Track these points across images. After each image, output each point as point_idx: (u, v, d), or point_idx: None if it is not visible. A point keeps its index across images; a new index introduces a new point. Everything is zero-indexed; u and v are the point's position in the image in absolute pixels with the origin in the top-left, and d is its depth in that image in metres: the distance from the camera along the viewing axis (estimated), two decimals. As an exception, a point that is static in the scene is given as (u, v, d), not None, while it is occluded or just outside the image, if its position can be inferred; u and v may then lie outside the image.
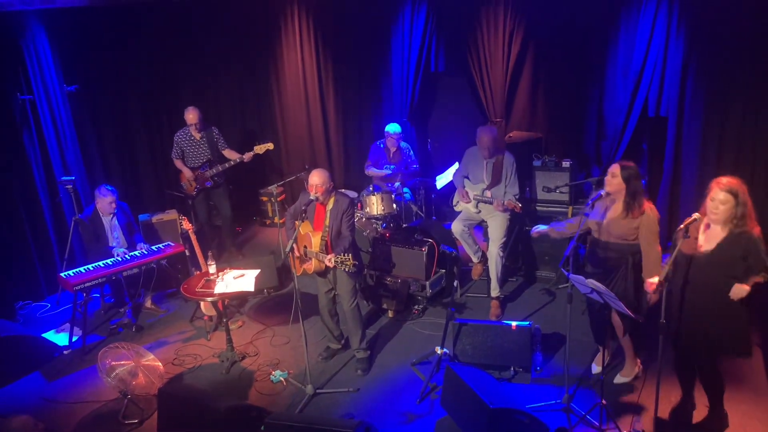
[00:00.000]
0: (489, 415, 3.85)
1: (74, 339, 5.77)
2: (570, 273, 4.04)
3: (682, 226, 3.74)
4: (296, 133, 8.38)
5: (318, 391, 4.82)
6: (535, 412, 4.21)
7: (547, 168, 6.36)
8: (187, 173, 6.96)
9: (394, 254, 6.06)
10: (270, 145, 6.98)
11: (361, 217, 6.58)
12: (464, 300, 6.16)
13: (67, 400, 4.98)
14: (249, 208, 8.66)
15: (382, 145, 7.09)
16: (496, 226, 5.83)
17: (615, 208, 4.32)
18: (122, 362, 4.71)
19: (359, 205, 6.68)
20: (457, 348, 4.99)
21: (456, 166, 6.64)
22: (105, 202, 5.95)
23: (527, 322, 4.90)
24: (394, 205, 6.55)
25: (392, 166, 7.03)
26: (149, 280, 5.94)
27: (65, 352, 5.66)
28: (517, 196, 5.79)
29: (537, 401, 4.52)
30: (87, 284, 5.52)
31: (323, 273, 4.98)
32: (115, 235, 6.10)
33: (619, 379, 4.71)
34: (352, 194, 7.19)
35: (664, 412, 4.25)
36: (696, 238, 3.81)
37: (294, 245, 4.82)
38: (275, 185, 7.41)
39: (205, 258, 5.44)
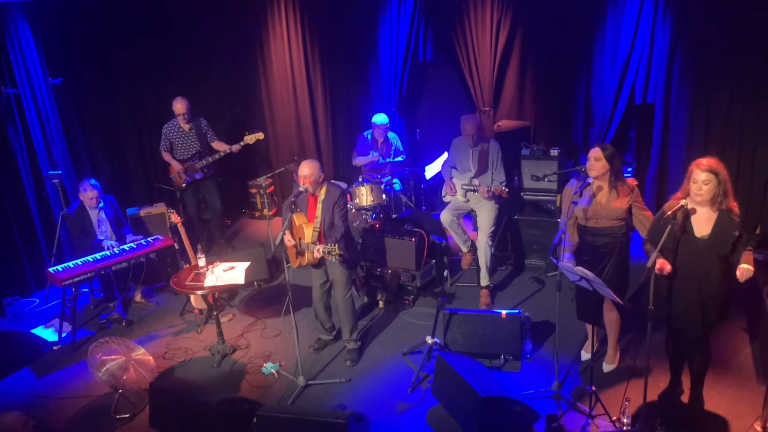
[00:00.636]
0: (480, 403, 3.88)
1: (64, 334, 5.74)
2: (559, 261, 4.06)
3: (669, 212, 3.76)
4: (284, 125, 8.34)
5: (310, 382, 4.83)
6: (526, 399, 4.25)
7: (536, 156, 6.37)
8: (176, 166, 6.92)
9: (384, 245, 6.07)
10: (260, 135, 6.94)
11: (351, 208, 6.58)
12: (454, 289, 6.18)
13: (57, 396, 4.96)
14: (238, 200, 8.63)
15: (369, 137, 7.08)
16: (485, 216, 5.85)
17: (602, 193, 4.33)
18: (113, 357, 4.69)
19: (348, 196, 6.67)
20: (448, 337, 5.01)
21: (445, 155, 6.65)
22: (87, 197, 5.90)
23: (517, 311, 4.92)
24: (384, 196, 6.55)
25: (375, 153, 6.99)
26: (138, 274, 5.92)
27: (55, 347, 5.64)
28: (503, 183, 5.81)
29: (527, 389, 4.56)
30: (76, 279, 5.49)
31: (317, 264, 4.98)
32: (102, 229, 6.06)
33: (606, 367, 4.76)
34: (342, 185, 7.17)
35: (653, 397, 4.30)
36: (683, 224, 3.83)
37: (290, 236, 4.83)
38: (264, 177, 7.39)
39: (195, 251, 5.42)
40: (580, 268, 3.94)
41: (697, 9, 6.05)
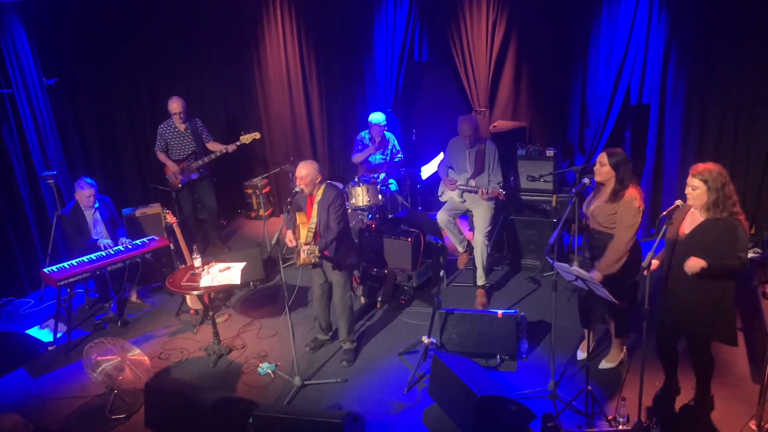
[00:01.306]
0: (476, 403, 3.88)
1: (59, 335, 5.72)
2: (555, 261, 4.07)
3: (665, 212, 3.78)
4: (280, 125, 8.33)
5: (306, 382, 4.82)
6: (522, 399, 4.25)
7: (532, 157, 6.38)
8: (172, 166, 6.90)
9: (381, 245, 6.07)
10: (256, 135, 6.93)
11: (347, 209, 6.56)
12: (450, 289, 6.18)
13: (52, 396, 4.94)
14: (234, 200, 8.61)
15: (366, 136, 7.06)
16: (481, 215, 5.85)
17: (602, 195, 4.35)
18: (108, 357, 4.68)
19: (344, 196, 6.66)
20: (444, 337, 5.01)
21: (441, 156, 6.65)
22: (83, 195, 5.89)
23: (513, 311, 4.93)
24: (380, 196, 6.54)
25: (371, 145, 6.97)
26: (134, 275, 5.91)
27: (50, 348, 5.62)
28: (500, 184, 5.82)
29: (523, 388, 4.56)
30: (71, 279, 5.47)
31: (316, 264, 4.98)
32: (97, 230, 6.05)
33: (604, 364, 4.76)
34: (338, 186, 7.16)
35: (649, 397, 4.31)
36: (679, 225, 3.85)
37: (292, 236, 4.87)
38: (260, 177, 7.37)
39: (190, 251, 5.41)
40: (575, 267, 3.95)
41: (691, 10, 6.07)
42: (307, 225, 4.85)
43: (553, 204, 6.23)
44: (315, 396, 4.72)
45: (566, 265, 4.03)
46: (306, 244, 4.74)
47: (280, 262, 4.87)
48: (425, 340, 4.97)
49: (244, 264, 5.33)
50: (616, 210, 4.22)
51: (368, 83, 7.85)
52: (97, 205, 6.03)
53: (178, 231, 5.69)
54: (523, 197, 6.42)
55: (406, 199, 7.35)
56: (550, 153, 6.33)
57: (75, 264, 5.57)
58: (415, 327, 5.54)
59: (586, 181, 4.34)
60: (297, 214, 4.96)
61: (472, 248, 6.00)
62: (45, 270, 5.53)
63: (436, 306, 5.00)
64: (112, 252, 5.78)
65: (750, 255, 5.74)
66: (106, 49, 7.55)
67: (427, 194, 7.65)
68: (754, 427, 4.01)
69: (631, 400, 4.05)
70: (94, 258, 5.66)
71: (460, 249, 6.37)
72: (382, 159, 7.01)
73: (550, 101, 7.23)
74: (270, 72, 8.11)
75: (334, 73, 8.00)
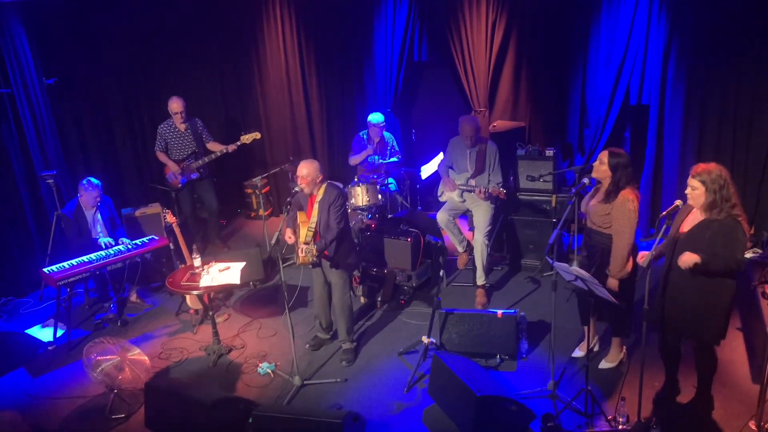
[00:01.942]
0: (476, 403, 3.88)
1: (59, 335, 5.72)
2: (554, 261, 4.08)
3: (664, 213, 3.78)
4: (280, 125, 8.33)
5: (305, 382, 4.82)
6: (522, 399, 4.25)
7: (531, 157, 6.38)
8: (172, 166, 6.90)
9: (380, 245, 6.07)
10: (257, 135, 6.92)
11: (348, 208, 6.57)
12: (450, 289, 6.18)
13: (52, 396, 4.94)
14: (233, 200, 8.61)
15: (365, 136, 7.07)
16: (481, 215, 5.85)
17: (599, 195, 4.36)
18: (108, 357, 4.68)
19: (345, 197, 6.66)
20: (444, 337, 5.02)
21: (440, 156, 6.65)
22: (91, 196, 5.91)
23: (513, 310, 4.93)
24: (380, 196, 6.54)
25: (369, 147, 6.97)
26: (134, 275, 5.91)
27: (50, 348, 5.61)
28: (500, 184, 5.82)
29: (523, 388, 4.56)
30: (71, 279, 5.47)
31: (316, 264, 4.98)
32: (98, 230, 6.05)
33: (604, 364, 4.77)
34: (339, 185, 7.16)
35: (649, 397, 4.31)
36: (680, 225, 3.86)
37: (291, 234, 4.86)
38: (260, 177, 7.37)
39: (190, 251, 5.41)
40: (575, 267, 3.95)
41: (691, 10, 6.07)
42: (307, 224, 4.85)
43: (553, 204, 6.23)
44: (315, 396, 4.72)
45: (566, 265, 4.03)
46: (305, 244, 4.74)
47: (280, 261, 4.87)
48: (425, 340, 4.97)
49: (243, 264, 5.33)
50: (609, 211, 4.23)
51: (368, 83, 7.85)
52: (99, 204, 6.03)
53: (177, 231, 5.69)
54: (522, 197, 6.43)
55: (406, 199, 7.35)
56: (549, 153, 6.33)
57: (75, 264, 5.57)
58: (414, 327, 5.54)
59: (585, 181, 4.34)
60: (297, 213, 4.96)
61: (472, 248, 6.01)
62: (44, 270, 5.53)
63: (435, 306, 5.00)
64: (112, 252, 5.78)
65: (749, 255, 5.75)
66: (106, 48, 7.54)
67: (427, 194, 7.66)
68: (753, 427, 4.01)
69: (631, 400, 4.05)
70: (94, 258, 5.66)
71: (460, 249, 6.37)
72: (381, 160, 7.01)
73: (550, 101, 7.23)
74: (270, 72, 8.11)
75: (333, 74, 8.00)
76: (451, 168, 6.11)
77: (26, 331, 5.95)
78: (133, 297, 6.28)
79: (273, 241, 4.60)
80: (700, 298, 3.80)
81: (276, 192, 8.66)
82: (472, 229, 6.05)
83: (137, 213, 7.00)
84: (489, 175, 5.88)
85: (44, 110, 6.84)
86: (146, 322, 5.98)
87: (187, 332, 5.73)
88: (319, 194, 4.84)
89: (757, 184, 6.25)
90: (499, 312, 4.89)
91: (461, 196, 6.01)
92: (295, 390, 4.74)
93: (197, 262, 5.28)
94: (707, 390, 4.17)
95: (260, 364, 5.08)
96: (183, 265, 5.64)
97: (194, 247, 5.43)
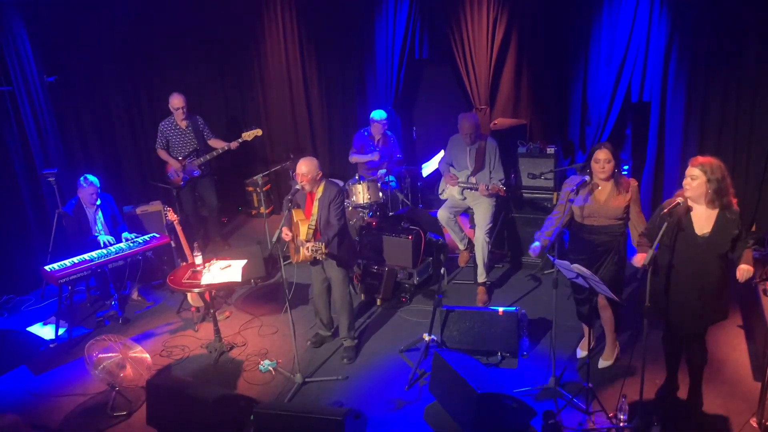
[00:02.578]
0: (477, 400, 3.88)
1: (60, 332, 5.73)
2: (555, 258, 4.07)
3: (666, 210, 3.77)
4: (280, 123, 8.33)
5: (307, 379, 4.83)
6: (523, 396, 4.27)
7: (532, 154, 6.38)
8: (173, 163, 6.90)
9: (381, 243, 6.07)
10: (258, 131, 6.92)
11: (348, 206, 6.57)
12: (451, 287, 6.18)
13: (54, 394, 4.95)
14: (234, 198, 8.61)
15: (366, 133, 7.07)
16: (482, 213, 5.85)
17: (602, 191, 4.33)
18: (109, 355, 4.69)
19: (345, 193, 6.65)
20: (445, 334, 5.02)
21: (441, 153, 6.65)
22: (86, 193, 5.90)
23: (514, 308, 4.94)
24: (381, 194, 6.54)
25: (376, 153, 6.97)
26: (135, 272, 5.92)
27: (51, 345, 5.62)
28: (502, 181, 5.82)
29: (524, 386, 4.57)
30: (72, 277, 5.48)
31: (315, 261, 4.98)
32: (99, 227, 6.05)
33: (602, 363, 4.76)
34: (339, 183, 7.16)
35: (649, 394, 4.31)
36: (683, 222, 3.84)
37: (288, 231, 4.83)
38: (261, 175, 7.37)
39: (191, 249, 5.42)
40: (576, 265, 3.95)
41: (692, 8, 6.06)
42: (306, 222, 4.85)
43: (554, 201, 6.23)
44: (316, 393, 4.73)
45: (567, 262, 4.03)
46: (308, 241, 4.73)
47: (281, 259, 4.87)
48: (426, 337, 4.98)
49: (244, 261, 5.34)
50: (627, 200, 4.29)
51: (368, 81, 7.84)
52: (99, 202, 6.04)
53: (179, 228, 5.70)
54: (523, 195, 6.43)
55: (407, 197, 7.35)
56: (550, 150, 6.33)
57: (76, 261, 5.57)
58: (415, 324, 5.54)
59: (587, 178, 4.33)
60: (294, 212, 4.92)
61: (473, 246, 6.01)
62: (46, 267, 5.54)
63: (436, 303, 5.00)
64: (114, 249, 5.78)
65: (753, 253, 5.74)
66: (106, 46, 7.54)
67: (428, 192, 7.65)
68: (755, 425, 4.01)
69: (632, 397, 4.05)
70: (95, 255, 5.67)
71: (461, 246, 6.38)
72: (382, 161, 7.01)
73: (551, 99, 7.23)
74: (270, 69, 8.11)
75: (334, 71, 7.99)
76: (452, 165, 6.11)
77: (28, 328, 5.96)
78: (135, 295, 6.29)
79: (274, 239, 4.60)
80: (705, 294, 3.82)
81: (277, 190, 8.65)
82: (473, 226, 6.05)
83: (138, 210, 7.00)
84: (490, 172, 5.88)
85: (45, 108, 6.84)
86: (148, 320, 5.99)
87: (189, 330, 5.73)
88: (318, 191, 4.83)
89: (758, 183, 6.23)
90: (500, 309, 4.90)
91: (462, 193, 6.00)
92: (296, 387, 4.75)
93: (198, 259, 5.29)
94: (700, 384, 4.19)
95: (261, 362, 5.09)
96: (184, 263, 5.65)
97: (195, 244, 5.43)
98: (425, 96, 8.11)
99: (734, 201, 3.76)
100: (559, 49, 6.97)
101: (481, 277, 5.90)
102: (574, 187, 4.29)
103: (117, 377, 4.67)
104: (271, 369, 5.02)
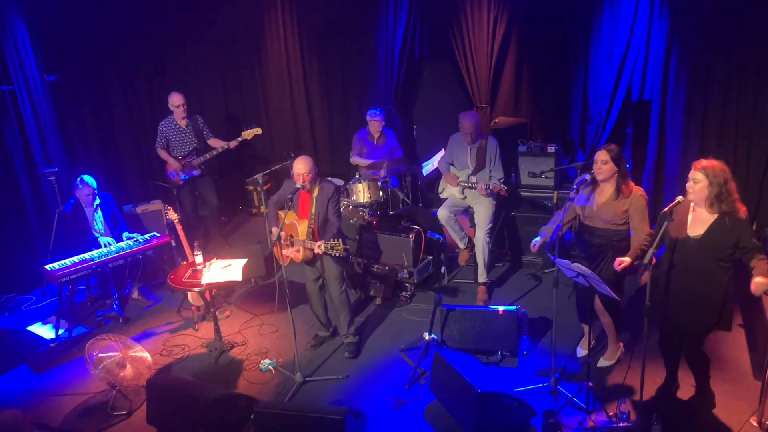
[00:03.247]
0: (477, 399, 3.89)
1: (61, 331, 5.72)
2: (556, 257, 4.07)
3: (666, 209, 3.76)
4: (281, 122, 8.33)
5: (307, 378, 4.83)
6: (523, 395, 4.27)
7: (533, 153, 6.38)
8: (173, 163, 6.89)
9: (381, 241, 6.07)
10: (258, 130, 6.92)
11: (348, 205, 6.58)
12: (451, 286, 6.18)
13: (54, 393, 4.95)
14: (235, 197, 8.61)
15: (366, 133, 7.06)
16: (483, 212, 5.85)
17: (603, 193, 4.32)
18: (110, 354, 4.69)
19: (345, 192, 6.67)
20: (445, 333, 5.02)
21: (442, 152, 6.65)
22: (83, 194, 5.91)
23: (514, 307, 4.93)
24: (381, 193, 6.54)
25: (383, 163, 6.95)
26: (135, 271, 5.92)
27: (51, 345, 5.62)
28: (502, 180, 5.82)
29: (524, 385, 4.57)
30: (72, 276, 5.48)
31: (311, 261, 4.98)
32: (98, 227, 6.05)
33: (602, 362, 4.76)
34: (338, 182, 7.17)
35: (650, 393, 4.31)
36: (683, 222, 3.84)
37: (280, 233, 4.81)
38: (261, 174, 7.37)
39: (192, 248, 5.42)
40: (576, 264, 3.95)
41: (693, 7, 6.05)
42: (303, 221, 4.85)
43: (554, 200, 6.23)
44: (316, 392, 4.73)
45: (567, 261, 4.03)
46: (319, 240, 4.69)
47: (281, 260, 4.86)
48: (426, 336, 4.97)
49: (245, 261, 5.34)
50: (627, 207, 4.23)
51: (369, 79, 7.84)
52: (98, 201, 6.04)
53: (179, 227, 5.70)
54: (524, 193, 6.42)
55: (407, 196, 7.35)
56: (551, 149, 6.33)
57: (76, 261, 5.57)
58: (416, 324, 5.54)
59: (587, 177, 4.33)
60: (287, 212, 4.79)
61: (473, 245, 6.00)
62: (46, 267, 5.54)
63: (437, 302, 5.00)
64: (114, 249, 5.78)
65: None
66: (107, 45, 7.53)
67: (428, 191, 7.65)
68: (755, 424, 4.01)
69: (632, 396, 4.05)
70: (96, 255, 5.67)
71: (461, 245, 6.37)
72: (383, 156, 7.00)
73: (552, 97, 7.22)
74: (270, 68, 8.11)
75: (334, 70, 8.00)
76: (452, 164, 6.11)
77: (28, 328, 5.96)
78: (135, 294, 6.29)
79: (275, 238, 4.59)
80: (704, 296, 3.80)
81: (277, 189, 8.57)
82: (473, 225, 6.04)
83: (138, 210, 7.00)
84: (490, 171, 5.88)
85: (46, 107, 6.83)
86: (148, 319, 5.99)
87: (189, 329, 5.74)
88: (315, 190, 4.83)
89: (758, 181, 6.22)
90: (501, 308, 4.90)
91: (462, 192, 6.00)
92: (296, 387, 4.75)
93: (199, 259, 5.29)
94: (707, 386, 4.17)
95: (262, 361, 5.09)
96: (185, 262, 5.65)
97: (196, 243, 5.43)
98: (426, 95, 8.11)
99: (742, 209, 3.70)
100: (559, 48, 6.96)
101: (482, 277, 5.90)
102: (574, 187, 4.30)
103: (117, 376, 4.67)
104: (271, 368, 5.02)
